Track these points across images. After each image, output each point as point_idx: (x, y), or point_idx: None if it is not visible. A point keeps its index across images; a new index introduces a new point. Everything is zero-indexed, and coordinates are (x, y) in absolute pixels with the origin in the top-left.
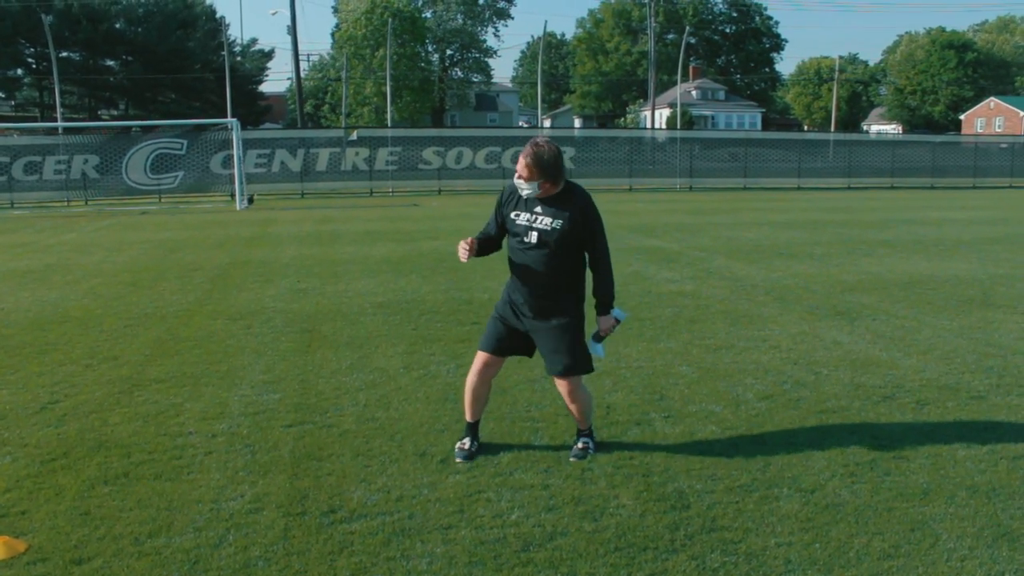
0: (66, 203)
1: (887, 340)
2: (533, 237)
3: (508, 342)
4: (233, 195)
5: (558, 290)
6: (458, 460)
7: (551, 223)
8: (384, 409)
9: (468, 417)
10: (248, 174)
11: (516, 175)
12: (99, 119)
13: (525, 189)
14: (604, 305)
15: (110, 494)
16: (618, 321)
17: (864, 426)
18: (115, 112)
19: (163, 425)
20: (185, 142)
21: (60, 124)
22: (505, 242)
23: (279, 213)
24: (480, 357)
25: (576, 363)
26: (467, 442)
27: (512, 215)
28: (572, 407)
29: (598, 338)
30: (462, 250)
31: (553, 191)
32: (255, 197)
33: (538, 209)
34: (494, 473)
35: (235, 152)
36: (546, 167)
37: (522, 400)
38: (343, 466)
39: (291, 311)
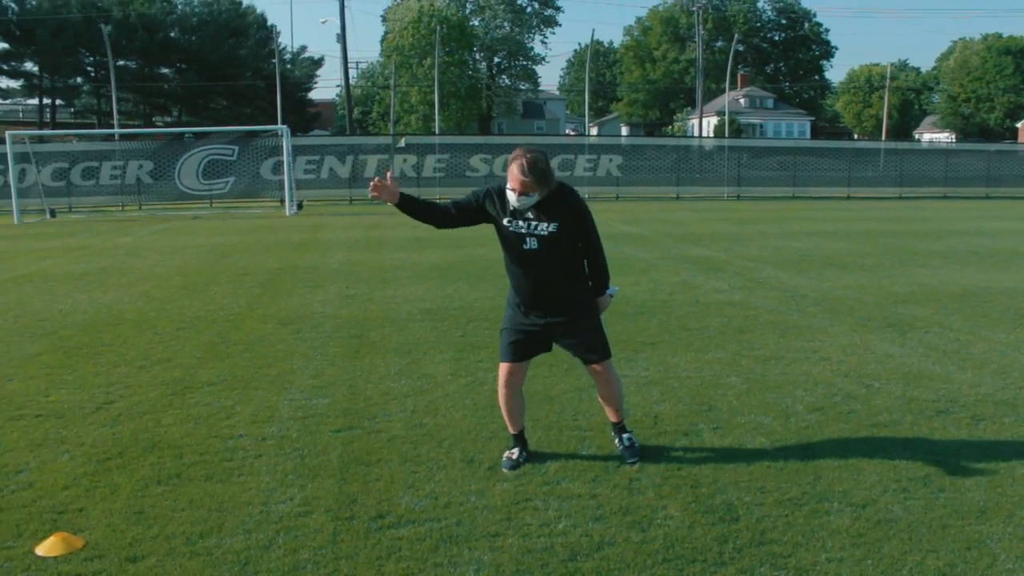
0: (121, 207)
1: (940, 353)
2: (533, 243)
3: (526, 347)
4: (283, 201)
5: (565, 287)
6: (505, 469)
7: (547, 227)
8: (432, 415)
9: (511, 430)
10: (297, 180)
11: (511, 189)
12: (153, 126)
13: (524, 202)
14: (600, 288)
15: (163, 494)
16: (611, 296)
17: (917, 441)
18: (169, 119)
19: (214, 427)
20: (236, 148)
21: (116, 131)
22: (496, 249)
23: (328, 219)
24: (503, 369)
25: (605, 347)
26: (515, 452)
27: (505, 222)
28: (608, 391)
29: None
30: (376, 184)
31: (544, 195)
32: (304, 203)
33: (530, 215)
34: (541, 482)
35: (285, 158)
36: (544, 176)
37: (569, 409)
38: (391, 471)
39: (340, 316)
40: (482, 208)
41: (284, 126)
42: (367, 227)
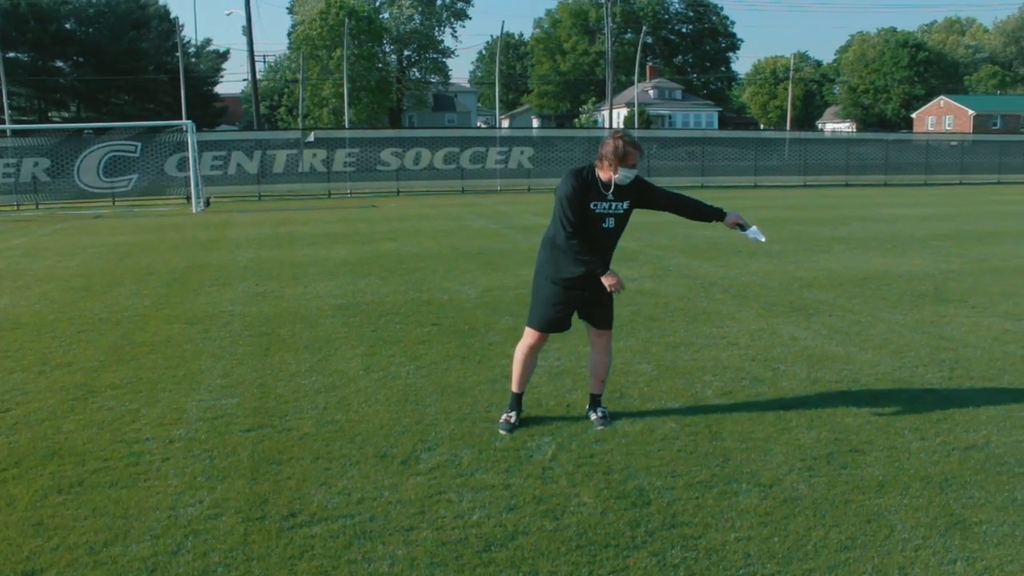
0: (16, 207)
1: (843, 335)
2: (611, 222)
3: (565, 319)
4: (189, 198)
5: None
6: (503, 431)
7: (623, 205)
8: (344, 411)
9: (517, 388)
10: (204, 176)
11: (630, 166)
12: (49, 121)
13: (631, 176)
14: (720, 210)
15: (64, 503)
16: (754, 237)
17: (821, 420)
18: (66, 114)
19: (119, 432)
20: (139, 144)
21: (8, 127)
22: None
23: (236, 216)
24: (536, 337)
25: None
26: (512, 415)
27: (591, 205)
28: (604, 359)
29: (747, 226)
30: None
31: None
32: (212, 199)
33: (611, 195)
34: (455, 474)
35: (190, 154)
36: None
37: (483, 401)
38: (303, 470)
39: (249, 314)
40: (579, 203)
41: (189, 121)
42: (277, 223)
